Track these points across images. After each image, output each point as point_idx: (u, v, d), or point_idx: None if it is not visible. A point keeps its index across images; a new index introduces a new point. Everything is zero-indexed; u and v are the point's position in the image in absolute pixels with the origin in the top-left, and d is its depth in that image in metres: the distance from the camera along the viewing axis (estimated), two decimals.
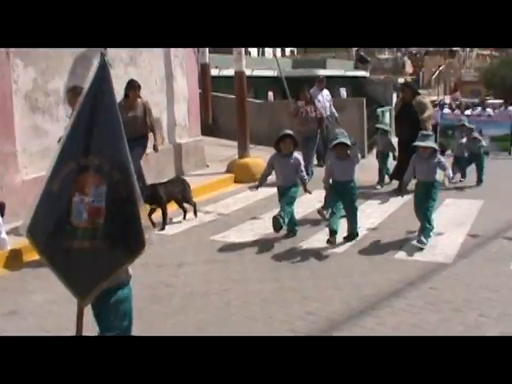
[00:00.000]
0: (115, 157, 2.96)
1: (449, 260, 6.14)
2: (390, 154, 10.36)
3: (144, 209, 3.08)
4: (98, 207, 2.94)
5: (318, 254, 6.40)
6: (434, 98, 35.53)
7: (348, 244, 6.72)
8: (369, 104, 15.76)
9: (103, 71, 3.00)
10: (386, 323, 4.57)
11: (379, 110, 17.47)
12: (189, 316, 4.86)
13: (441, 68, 54.31)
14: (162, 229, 7.52)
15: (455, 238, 6.92)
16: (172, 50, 10.71)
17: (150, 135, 8.79)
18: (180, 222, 7.96)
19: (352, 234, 6.90)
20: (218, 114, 15.96)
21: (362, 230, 7.15)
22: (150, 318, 4.81)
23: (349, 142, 6.70)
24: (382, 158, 10.46)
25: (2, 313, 4.98)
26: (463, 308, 4.86)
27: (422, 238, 6.48)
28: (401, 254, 6.36)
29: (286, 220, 6.86)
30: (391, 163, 10.39)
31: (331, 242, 6.56)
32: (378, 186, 10.14)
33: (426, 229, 6.57)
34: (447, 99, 30.11)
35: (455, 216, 7.98)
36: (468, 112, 19.15)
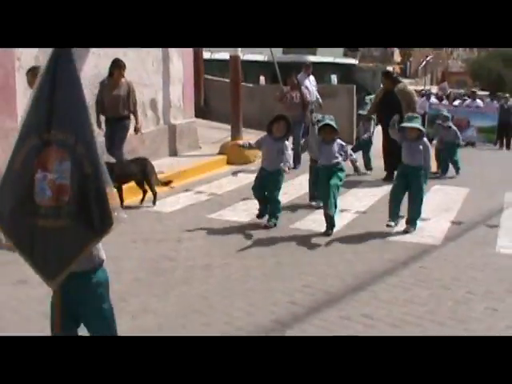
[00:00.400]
0: (79, 131, 2.86)
1: (437, 242, 6.43)
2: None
3: (111, 187, 2.97)
4: (62, 184, 2.83)
5: (311, 234, 6.64)
6: (421, 87, 35.73)
7: (341, 224, 6.91)
8: (357, 91, 15.96)
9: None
10: (380, 297, 4.85)
11: (368, 98, 17.68)
12: (192, 287, 5.09)
13: (428, 58, 54.48)
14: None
15: (443, 222, 7.22)
16: None
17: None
18: (178, 200, 8.16)
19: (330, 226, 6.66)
20: (210, 97, 16.06)
21: (353, 212, 7.45)
22: (153, 289, 5.04)
23: (334, 125, 6.63)
24: (365, 144, 10.70)
25: (11, 282, 5.17)
26: (452, 286, 5.16)
27: (408, 228, 6.74)
28: (391, 236, 6.63)
29: (279, 215, 6.99)
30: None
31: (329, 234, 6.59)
32: (368, 172, 10.41)
33: (413, 220, 6.80)
34: (434, 89, 30.36)
35: (442, 202, 8.29)
36: (456, 103, 19.44)
